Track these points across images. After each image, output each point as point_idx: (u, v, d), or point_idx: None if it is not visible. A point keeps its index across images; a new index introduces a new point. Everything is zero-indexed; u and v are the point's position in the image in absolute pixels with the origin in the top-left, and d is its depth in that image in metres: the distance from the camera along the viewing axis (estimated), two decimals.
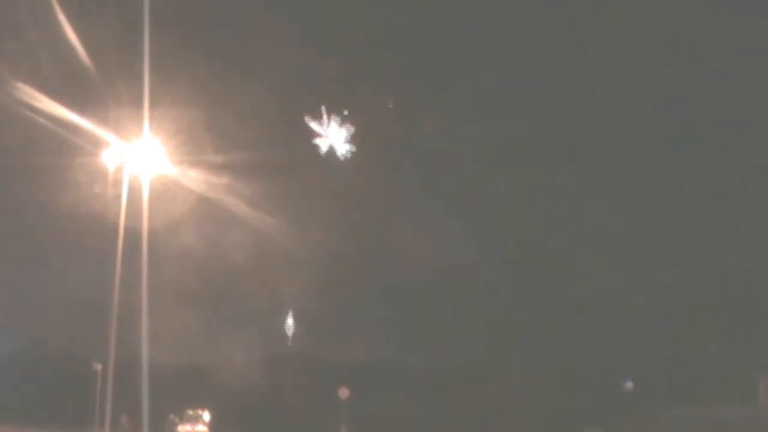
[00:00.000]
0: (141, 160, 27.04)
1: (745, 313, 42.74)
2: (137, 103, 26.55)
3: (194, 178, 33.50)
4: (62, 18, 27.42)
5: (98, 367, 36.56)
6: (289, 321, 47.66)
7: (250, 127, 41.12)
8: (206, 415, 42.67)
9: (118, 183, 27.41)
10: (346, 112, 48.42)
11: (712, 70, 45.52)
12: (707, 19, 44.17)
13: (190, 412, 42.33)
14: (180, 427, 41.62)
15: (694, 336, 43.56)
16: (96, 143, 28.69)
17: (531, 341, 45.40)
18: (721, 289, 44.16)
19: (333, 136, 48.86)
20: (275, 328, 45.85)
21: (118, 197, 26.72)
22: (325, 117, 48.38)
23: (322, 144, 48.88)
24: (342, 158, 48.53)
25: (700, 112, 45.41)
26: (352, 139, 48.85)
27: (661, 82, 45.60)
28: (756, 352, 39.76)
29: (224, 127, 40.25)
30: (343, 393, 41.06)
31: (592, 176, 47.88)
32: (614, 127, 46.77)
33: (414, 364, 47.47)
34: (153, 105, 26.54)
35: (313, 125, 48.48)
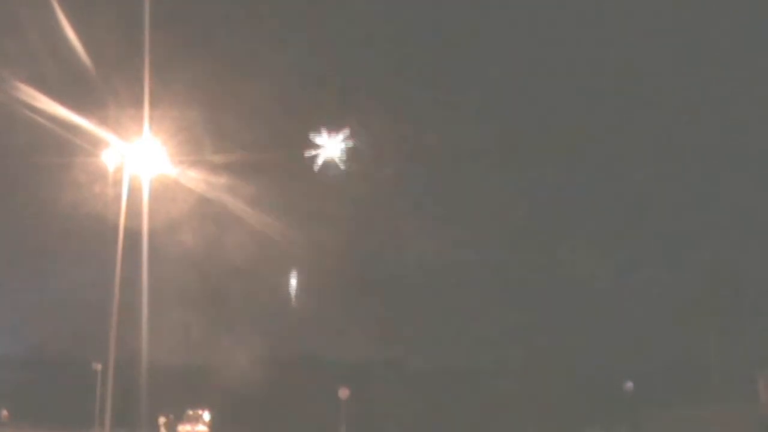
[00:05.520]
0: (141, 160, 27.00)
1: (745, 312, 42.74)
2: (137, 103, 26.55)
3: (194, 178, 33.46)
4: (62, 18, 27.39)
5: (98, 367, 36.59)
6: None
7: (250, 127, 41.10)
8: (206, 415, 42.63)
9: (118, 183, 27.31)
10: (346, 112, 48.38)
11: (711, 70, 45.56)
12: (707, 20, 44.22)
13: (190, 412, 42.28)
14: (180, 427, 41.58)
15: (694, 335, 43.57)
16: (96, 143, 28.63)
17: (531, 342, 45.39)
18: (721, 288, 44.15)
19: (333, 136, 48.78)
20: (275, 328, 45.80)
21: (118, 197, 26.63)
22: (324, 116, 48.33)
23: (323, 144, 48.79)
24: (342, 158, 48.45)
25: (701, 111, 45.49)
26: (353, 139, 48.76)
27: (662, 81, 45.65)
28: (756, 351, 39.75)
29: (224, 127, 40.19)
30: (343, 393, 41.05)
31: (592, 177, 47.93)
32: (613, 127, 46.81)
33: (414, 364, 47.49)
34: (153, 105, 26.55)
35: (313, 125, 48.40)
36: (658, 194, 47.60)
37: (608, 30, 44.93)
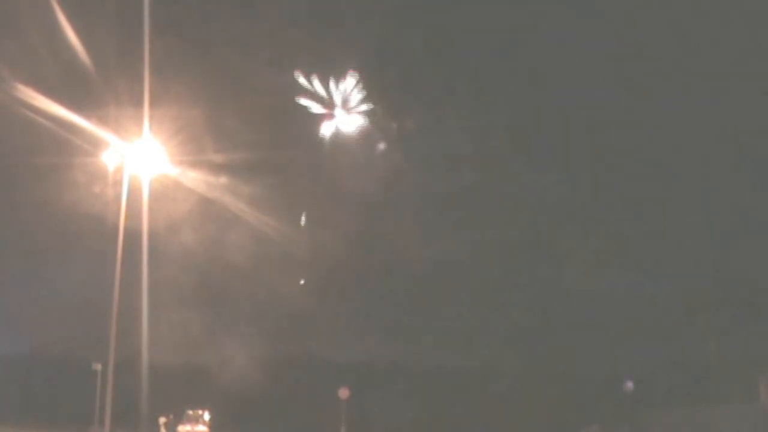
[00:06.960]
0: (141, 160, 27.03)
1: (745, 313, 42.71)
2: (137, 103, 26.63)
3: (194, 178, 33.59)
4: (62, 18, 27.47)
5: (98, 367, 36.56)
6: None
7: (250, 127, 41.17)
8: (206, 415, 42.62)
9: (118, 183, 27.35)
10: (346, 111, 48.46)
11: (711, 71, 45.50)
12: (709, 21, 44.19)
13: (190, 412, 42.27)
14: (180, 427, 41.57)
15: (694, 335, 43.56)
16: (96, 143, 28.69)
17: (530, 341, 45.38)
18: (721, 288, 44.15)
19: (333, 136, 48.92)
20: (275, 328, 45.79)
21: (118, 197, 26.65)
22: (325, 116, 48.42)
23: (323, 143, 48.94)
24: (342, 158, 48.53)
25: (701, 112, 45.40)
26: (353, 139, 48.88)
27: (662, 81, 45.61)
28: (756, 352, 39.71)
29: (224, 127, 40.28)
30: (343, 393, 41.06)
31: (592, 177, 47.90)
32: (613, 126, 46.76)
33: (414, 364, 47.43)
34: (153, 105, 26.63)
35: (313, 124, 48.52)
36: (658, 194, 47.57)
37: (610, 31, 44.93)
